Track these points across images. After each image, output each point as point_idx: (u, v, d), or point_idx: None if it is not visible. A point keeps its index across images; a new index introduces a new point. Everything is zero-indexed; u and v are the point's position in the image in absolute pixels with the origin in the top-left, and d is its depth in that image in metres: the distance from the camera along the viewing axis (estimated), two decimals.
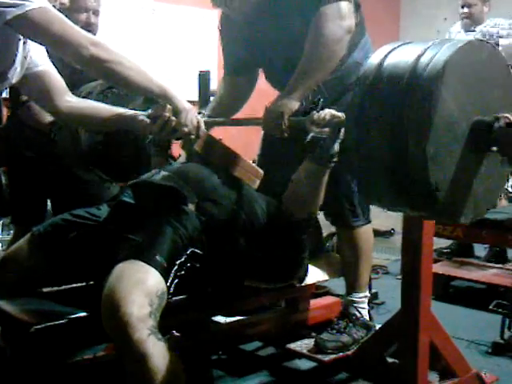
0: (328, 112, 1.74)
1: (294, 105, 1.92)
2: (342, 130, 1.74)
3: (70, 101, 1.88)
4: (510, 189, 4.01)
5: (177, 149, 2.20)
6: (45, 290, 1.95)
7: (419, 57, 1.38)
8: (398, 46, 1.48)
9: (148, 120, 1.80)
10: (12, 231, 3.04)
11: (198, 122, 1.81)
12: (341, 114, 1.72)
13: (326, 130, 1.74)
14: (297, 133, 1.88)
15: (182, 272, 1.69)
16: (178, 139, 2.00)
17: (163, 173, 1.93)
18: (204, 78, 2.96)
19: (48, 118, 2.35)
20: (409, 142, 1.34)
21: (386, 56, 1.45)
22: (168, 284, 1.61)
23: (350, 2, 1.99)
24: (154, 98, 1.79)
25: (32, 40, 1.69)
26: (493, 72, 1.49)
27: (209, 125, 1.98)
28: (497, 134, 1.40)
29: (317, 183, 1.87)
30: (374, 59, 1.46)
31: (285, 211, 1.92)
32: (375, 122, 1.40)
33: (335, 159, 1.80)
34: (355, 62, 2.09)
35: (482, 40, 1.52)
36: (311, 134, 1.76)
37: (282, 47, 2.05)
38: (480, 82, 1.45)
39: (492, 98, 1.48)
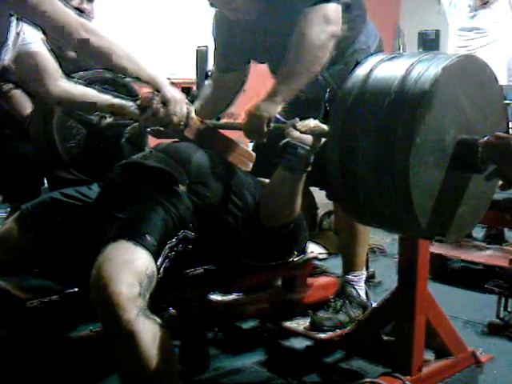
0: (312, 122, 1.69)
1: (276, 109, 1.86)
2: (322, 141, 1.67)
3: (62, 85, 1.87)
4: None
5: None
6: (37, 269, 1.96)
7: (408, 71, 1.35)
8: (385, 60, 1.45)
9: (137, 110, 1.80)
10: (9, 209, 3.02)
11: (187, 112, 1.79)
12: (325, 126, 1.65)
13: (306, 137, 1.68)
14: (275, 138, 1.82)
15: (173, 254, 1.68)
16: (158, 136, 2.00)
17: (154, 153, 1.91)
18: (202, 53, 2.92)
19: (28, 111, 2.34)
20: (394, 158, 1.30)
21: (372, 69, 1.42)
22: (158, 265, 1.59)
23: (338, 5, 1.93)
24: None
25: (25, 22, 1.67)
26: (487, 94, 1.46)
27: None
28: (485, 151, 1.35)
29: (290, 191, 1.78)
30: (360, 71, 1.42)
31: (260, 219, 1.85)
32: (359, 138, 1.37)
33: (309, 169, 1.74)
34: (360, 49, 2.07)
35: (477, 58, 1.49)
36: (286, 139, 1.70)
37: (283, 42, 2.02)
38: (471, 102, 1.41)
39: (481, 120, 1.45)
